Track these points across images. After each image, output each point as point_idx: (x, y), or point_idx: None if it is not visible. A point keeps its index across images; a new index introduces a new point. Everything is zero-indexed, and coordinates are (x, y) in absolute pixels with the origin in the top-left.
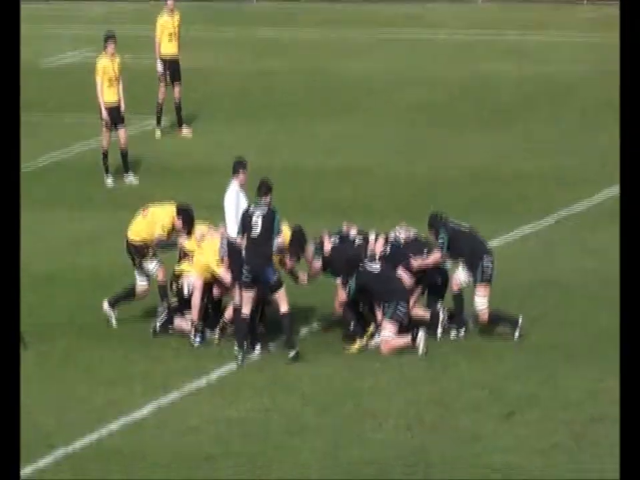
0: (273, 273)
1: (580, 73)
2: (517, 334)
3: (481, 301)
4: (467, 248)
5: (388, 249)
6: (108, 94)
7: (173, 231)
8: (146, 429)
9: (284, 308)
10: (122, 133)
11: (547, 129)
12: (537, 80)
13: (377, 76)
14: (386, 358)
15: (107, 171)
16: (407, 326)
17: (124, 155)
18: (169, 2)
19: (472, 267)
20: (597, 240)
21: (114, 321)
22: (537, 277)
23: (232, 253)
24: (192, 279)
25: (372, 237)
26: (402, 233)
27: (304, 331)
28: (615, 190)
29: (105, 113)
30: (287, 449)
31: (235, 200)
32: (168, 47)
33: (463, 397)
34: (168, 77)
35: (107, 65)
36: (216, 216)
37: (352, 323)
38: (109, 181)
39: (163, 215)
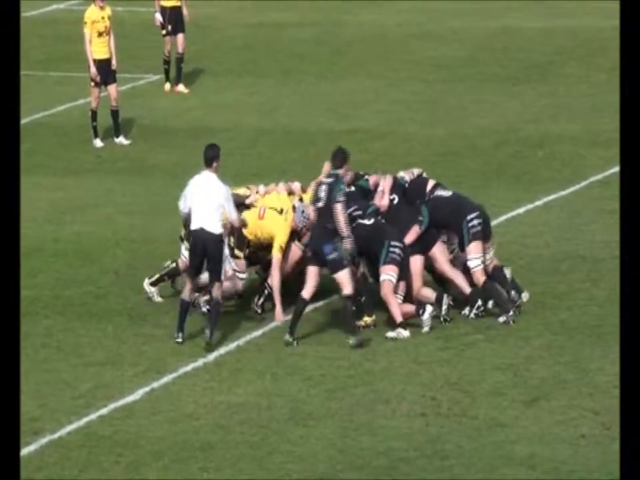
0: (332, 250)
1: (614, 29)
2: (503, 318)
3: (474, 261)
4: (447, 214)
5: (394, 196)
6: (97, 48)
7: None
8: (138, 415)
9: (345, 290)
10: (112, 90)
11: (578, 87)
12: (561, 32)
13: (391, 29)
14: (399, 339)
15: (95, 131)
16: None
17: (115, 114)
18: None
19: (457, 231)
20: None
21: (158, 299)
22: (563, 250)
23: None
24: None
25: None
26: (406, 176)
27: (309, 308)
28: None
29: (93, 69)
30: (291, 437)
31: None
32: None
33: (482, 380)
34: (170, 28)
35: (95, 17)
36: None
37: (363, 296)
38: (97, 141)
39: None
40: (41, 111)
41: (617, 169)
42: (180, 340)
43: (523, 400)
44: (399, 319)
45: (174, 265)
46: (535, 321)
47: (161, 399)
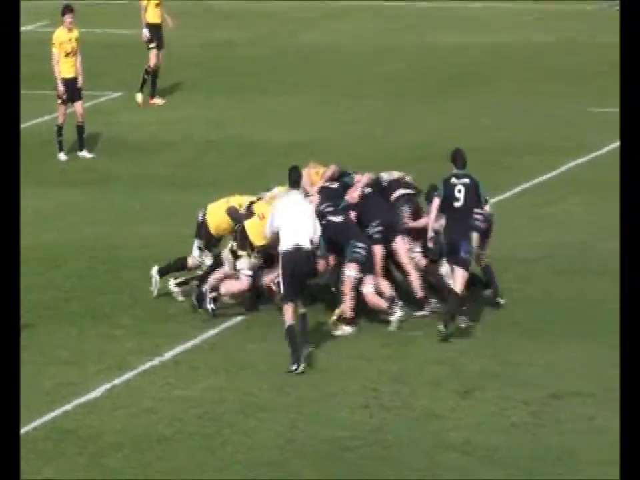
0: (467, 250)
1: (539, 42)
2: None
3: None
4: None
5: (369, 189)
6: (64, 68)
7: None
8: (100, 410)
9: (458, 287)
10: (78, 107)
11: (505, 97)
12: (491, 48)
13: (328, 49)
14: (344, 335)
15: (60, 146)
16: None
17: (80, 129)
18: None
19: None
20: (561, 211)
21: (180, 298)
22: (497, 251)
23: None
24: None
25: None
26: (385, 176)
27: (260, 307)
28: (579, 160)
29: (61, 87)
30: (242, 428)
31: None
32: (154, 15)
33: (421, 374)
34: (156, 43)
35: (63, 38)
36: (169, 190)
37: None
38: (62, 155)
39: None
40: None
41: (550, 173)
42: (298, 368)
43: (458, 391)
44: (349, 314)
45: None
46: (469, 319)
47: (121, 394)
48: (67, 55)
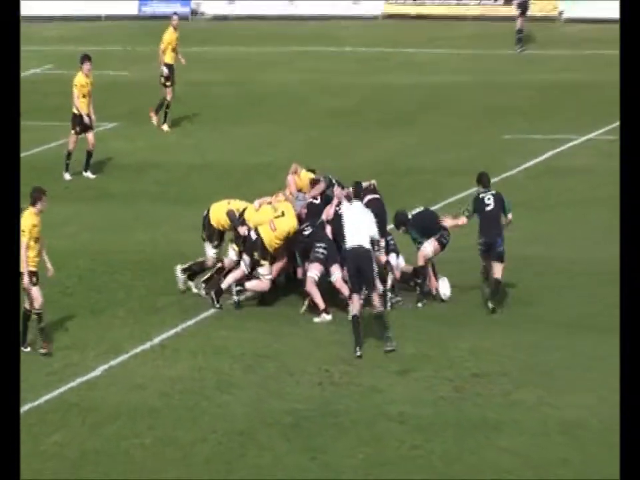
0: (502, 244)
1: (463, 82)
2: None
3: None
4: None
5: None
6: (81, 105)
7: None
8: (99, 387)
9: (498, 275)
10: (90, 137)
11: (436, 129)
12: (427, 87)
13: (294, 85)
14: (302, 324)
15: (67, 167)
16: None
17: (89, 155)
18: (174, 21)
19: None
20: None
21: (195, 290)
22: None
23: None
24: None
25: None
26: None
27: (229, 301)
28: (494, 179)
29: (78, 121)
30: (219, 402)
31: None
32: (171, 57)
33: (365, 356)
34: (171, 81)
35: (83, 82)
36: (158, 204)
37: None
38: (67, 175)
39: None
40: (21, 152)
41: (467, 192)
42: (359, 353)
43: (396, 371)
44: (322, 306)
45: (208, 262)
46: (408, 311)
47: (117, 374)
48: (84, 96)
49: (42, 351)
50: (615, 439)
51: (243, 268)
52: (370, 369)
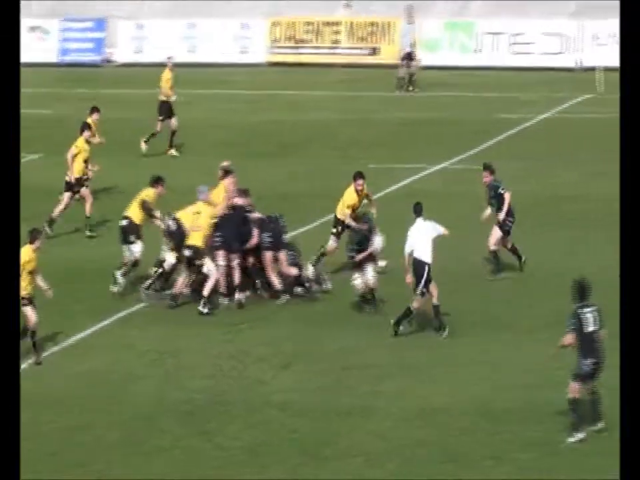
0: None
1: (336, 119)
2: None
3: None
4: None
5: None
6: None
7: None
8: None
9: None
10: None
11: (313, 159)
12: (306, 124)
13: (194, 121)
14: (198, 325)
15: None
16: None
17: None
18: (169, 63)
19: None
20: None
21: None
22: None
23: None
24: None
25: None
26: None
27: (143, 304)
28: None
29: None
30: (127, 392)
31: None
32: (170, 93)
33: (252, 353)
34: (162, 117)
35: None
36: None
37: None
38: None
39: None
40: None
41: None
42: (445, 333)
43: (279, 365)
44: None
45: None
46: (284, 313)
47: (38, 370)
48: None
49: (33, 360)
50: (467, 423)
51: (211, 272)
52: (256, 363)
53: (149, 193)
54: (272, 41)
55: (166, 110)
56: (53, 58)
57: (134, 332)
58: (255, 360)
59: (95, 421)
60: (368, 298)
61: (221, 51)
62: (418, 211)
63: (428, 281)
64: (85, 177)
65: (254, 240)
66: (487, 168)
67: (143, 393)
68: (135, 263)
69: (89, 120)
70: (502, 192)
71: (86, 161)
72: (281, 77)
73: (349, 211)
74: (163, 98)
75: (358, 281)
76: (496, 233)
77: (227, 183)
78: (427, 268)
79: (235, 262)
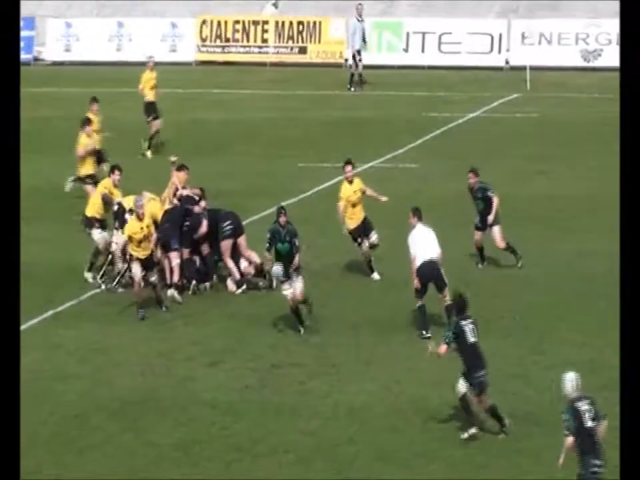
0: None
1: (265, 118)
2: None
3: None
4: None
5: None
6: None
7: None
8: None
9: None
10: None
11: (242, 157)
12: (235, 123)
13: (121, 120)
14: (128, 324)
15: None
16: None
17: None
18: (150, 62)
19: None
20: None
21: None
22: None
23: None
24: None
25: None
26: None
27: (71, 302)
28: (291, 200)
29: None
30: (56, 391)
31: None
32: (151, 94)
33: (180, 351)
34: (152, 117)
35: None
36: None
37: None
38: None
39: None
40: None
41: (267, 211)
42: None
43: (207, 363)
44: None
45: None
46: (214, 311)
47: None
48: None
49: None
50: (397, 421)
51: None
52: (185, 361)
53: (105, 184)
54: (201, 39)
55: (154, 109)
56: None
57: (62, 331)
58: (184, 357)
59: (25, 419)
60: (298, 313)
61: (150, 49)
62: (419, 215)
63: (443, 282)
64: (93, 173)
65: (202, 229)
66: (472, 170)
67: (74, 390)
68: (96, 252)
69: (90, 114)
70: (491, 195)
71: (99, 156)
72: (210, 76)
73: (342, 203)
74: (148, 99)
75: (288, 291)
76: (495, 233)
77: (181, 176)
78: (438, 267)
79: (175, 262)
